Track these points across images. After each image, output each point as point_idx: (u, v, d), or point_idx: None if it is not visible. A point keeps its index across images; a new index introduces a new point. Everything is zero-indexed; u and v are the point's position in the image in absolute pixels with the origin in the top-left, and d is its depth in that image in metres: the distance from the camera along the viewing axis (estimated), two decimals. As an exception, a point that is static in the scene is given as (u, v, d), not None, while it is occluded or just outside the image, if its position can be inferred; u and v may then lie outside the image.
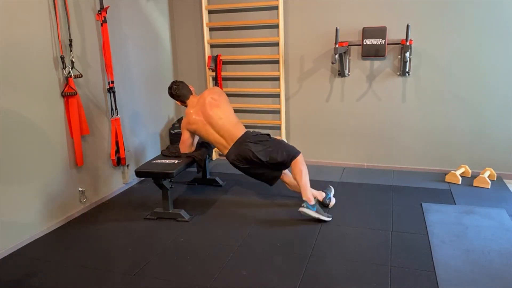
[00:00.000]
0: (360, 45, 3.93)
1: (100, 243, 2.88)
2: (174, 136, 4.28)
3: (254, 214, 3.24)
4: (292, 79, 4.31)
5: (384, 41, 3.79)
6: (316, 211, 3.01)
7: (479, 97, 3.78)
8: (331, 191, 3.39)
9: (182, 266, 2.55)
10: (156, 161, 3.32)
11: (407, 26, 3.57)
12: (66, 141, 3.19)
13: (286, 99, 4.37)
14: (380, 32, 3.79)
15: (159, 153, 3.84)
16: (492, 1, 3.55)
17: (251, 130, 3.36)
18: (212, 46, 4.49)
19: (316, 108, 4.29)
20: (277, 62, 4.28)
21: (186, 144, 3.39)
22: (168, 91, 3.40)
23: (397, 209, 3.23)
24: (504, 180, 3.75)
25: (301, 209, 3.00)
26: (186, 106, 3.41)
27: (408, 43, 3.59)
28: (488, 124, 3.80)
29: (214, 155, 4.69)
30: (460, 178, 3.71)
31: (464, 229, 2.85)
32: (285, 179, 3.31)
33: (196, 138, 3.50)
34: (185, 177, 4.04)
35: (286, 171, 3.30)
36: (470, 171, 3.85)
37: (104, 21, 3.38)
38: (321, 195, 3.29)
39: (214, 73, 4.45)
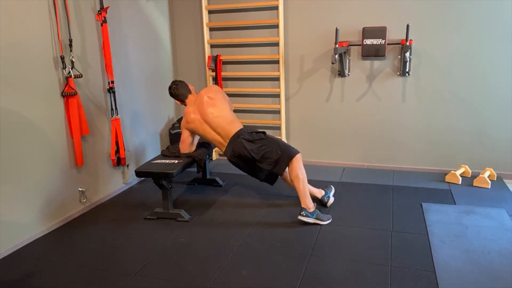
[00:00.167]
0: (360, 45, 3.93)
1: (100, 243, 2.88)
2: (174, 136, 4.28)
3: (254, 214, 3.24)
4: (292, 79, 4.31)
5: (384, 41, 3.79)
6: (316, 217, 3.00)
7: (479, 97, 3.78)
8: (331, 191, 3.40)
9: (182, 266, 2.55)
10: (156, 161, 3.32)
11: (407, 26, 3.57)
12: (66, 141, 3.19)
13: (286, 99, 4.37)
14: (380, 32, 3.79)
15: (159, 153, 3.84)
16: (492, 1, 3.55)
17: (248, 127, 3.35)
18: (212, 46, 4.49)
19: (316, 108, 4.29)
20: (277, 62, 4.28)
21: (186, 144, 3.39)
22: (168, 91, 3.41)
23: (397, 209, 3.23)
24: (504, 180, 3.75)
25: (300, 217, 3.00)
26: (185, 105, 3.41)
27: (408, 43, 3.59)
28: (488, 124, 3.80)
29: (214, 155, 4.69)
30: (460, 178, 3.71)
31: (464, 229, 2.85)
32: (284, 176, 3.29)
33: (196, 138, 3.50)
34: (185, 177, 4.04)
35: (286, 169, 3.27)
36: (470, 171, 3.85)
37: (104, 21, 3.38)
38: (320, 193, 3.30)
39: (214, 73, 4.45)
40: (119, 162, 3.67)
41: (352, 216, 3.14)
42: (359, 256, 2.58)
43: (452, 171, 3.80)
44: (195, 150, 3.46)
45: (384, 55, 3.84)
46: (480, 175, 3.65)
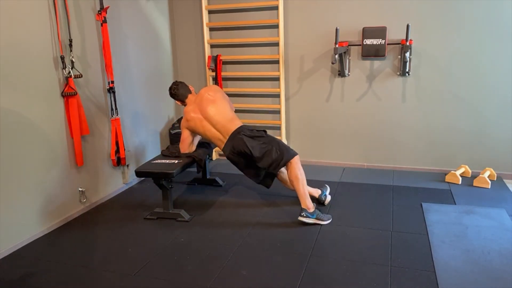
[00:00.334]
0: (360, 45, 3.93)
1: (100, 243, 2.88)
2: (174, 136, 4.28)
3: (254, 214, 3.24)
4: (292, 79, 4.31)
5: (384, 41, 3.79)
6: (316, 218, 3.00)
7: (479, 97, 3.78)
8: (327, 189, 3.40)
9: (182, 266, 2.55)
10: (156, 161, 3.32)
11: (407, 26, 3.57)
12: (66, 141, 3.19)
13: (286, 99, 4.37)
14: (380, 32, 3.79)
15: (159, 153, 3.84)
16: (492, 1, 3.55)
17: (248, 125, 3.35)
18: (212, 46, 4.50)
19: (316, 108, 4.29)
20: (277, 62, 4.28)
21: (186, 143, 3.39)
22: (169, 91, 3.42)
23: (397, 209, 3.23)
24: (504, 180, 3.75)
25: (300, 218, 3.00)
26: (185, 105, 3.42)
27: (408, 43, 3.59)
28: (488, 124, 3.80)
29: (214, 155, 4.69)
30: (460, 178, 3.71)
31: (464, 229, 2.85)
32: (282, 178, 3.30)
33: (197, 138, 3.50)
34: (185, 177, 4.04)
35: (282, 169, 3.27)
36: (470, 171, 3.85)
37: (104, 21, 3.38)
38: (317, 192, 3.32)
39: (214, 73, 4.45)
40: (119, 162, 3.67)
41: (352, 216, 3.14)
42: (359, 256, 2.58)
43: (452, 171, 3.80)
44: (195, 150, 3.46)
45: (384, 55, 3.84)
46: (480, 175, 3.65)
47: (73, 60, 3.15)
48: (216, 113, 3.23)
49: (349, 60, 4.05)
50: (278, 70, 4.26)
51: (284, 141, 4.38)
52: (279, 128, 4.41)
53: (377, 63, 3.99)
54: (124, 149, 3.66)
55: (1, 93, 2.65)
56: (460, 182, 3.70)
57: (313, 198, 3.33)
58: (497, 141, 3.80)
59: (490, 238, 2.71)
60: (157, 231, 3.03)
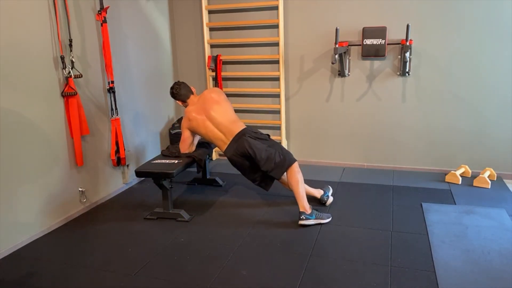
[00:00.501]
0: (360, 45, 3.93)
1: (100, 243, 2.88)
2: (174, 136, 4.28)
3: (254, 214, 3.24)
4: (292, 79, 4.31)
5: (384, 41, 3.79)
6: (316, 218, 3.01)
7: (479, 97, 3.78)
8: (329, 190, 3.40)
9: (182, 266, 2.55)
10: (156, 161, 3.32)
11: (407, 26, 3.57)
12: (66, 141, 3.19)
13: (286, 99, 4.37)
14: (380, 32, 3.79)
15: (159, 153, 3.84)
16: (492, 1, 3.55)
17: (252, 126, 3.37)
18: (212, 46, 4.50)
19: (316, 108, 4.29)
20: (277, 62, 4.28)
21: (186, 143, 3.39)
22: (170, 91, 3.42)
23: (397, 209, 3.23)
24: (504, 180, 3.75)
25: (300, 222, 2.99)
26: (187, 105, 3.42)
27: (408, 43, 3.59)
28: (488, 124, 3.80)
29: (214, 155, 4.69)
30: (460, 178, 3.71)
31: (464, 229, 2.85)
32: (282, 179, 3.29)
33: (197, 138, 3.51)
34: (185, 177, 4.04)
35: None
36: (470, 171, 3.85)
37: (104, 21, 3.38)
38: (319, 192, 3.31)
39: (214, 73, 4.45)
40: (119, 162, 3.67)
41: (352, 216, 3.14)
42: (359, 256, 2.58)
43: (452, 171, 3.80)
44: (195, 150, 3.47)
45: (384, 55, 3.84)
46: (480, 175, 3.65)
47: (73, 60, 3.15)
48: (220, 114, 3.24)
49: (349, 60, 4.05)
50: (278, 70, 4.26)
51: (284, 141, 4.38)
52: (279, 128, 4.41)
53: (377, 63, 3.99)
54: (124, 149, 3.66)
55: (1, 93, 2.65)
56: (460, 182, 3.70)
57: (314, 199, 3.34)
58: (497, 141, 3.80)
59: (490, 238, 2.71)
60: (157, 231, 3.03)
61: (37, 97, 2.92)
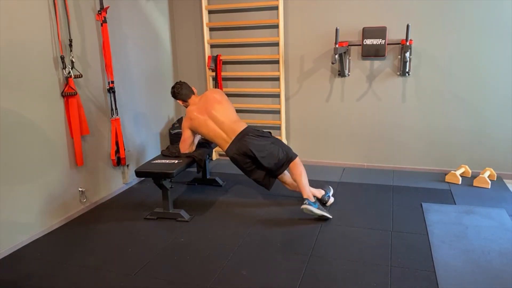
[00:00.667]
0: (360, 45, 3.93)
1: (100, 243, 2.88)
2: (174, 136, 4.28)
3: (254, 214, 3.24)
4: (292, 79, 4.31)
5: (384, 41, 3.79)
6: (318, 208, 3.04)
7: (479, 97, 3.78)
8: (330, 191, 3.41)
9: (182, 266, 2.55)
10: (156, 161, 3.32)
11: (407, 26, 3.57)
12: (66, 141, 3.19)
13: (286, 99, 4.37)
14: (380, 32, 3.79)
15: (159, 153, 3.84)
16: (492, 1, 3.55)
17: (253, 125, 3.39)
18: (212, 46, 4.50)
19: (316, 108, 4.29)
20: (277, 62, 4.28)
21: (187, 143, 3.39)
22: (171, 90, 3.43)
23: (397, 209, 3.23)
24: (504, 180, 3.75)
25: (303, 206, 3.02)
26: (187, 106, 3.43)
27: (408, 43, 3.59)
28: (488, 124, 3.80)
29: (214, 155, 4.69)
30: (460, 178, 3.71)
31: (464, 229, 2.85)
32: (284, 179, 3.31)
33: (197, 138, 3.52)
34: (185, 177, 4.04)
35: (285, 172, 3.30)
36: (470, 171, 3.85)
37: (104, 21, 3.38)
38: (320, 192, 3.32)
39: (214, 73, 4.45)
40: (119, 162, 3.67)
41: (352, 216, 3.14)
42: (359, 256, 2.58)
43: (452, 171, 3.80)
44: (195, 150, 3.47)
45: (384, 55, 3.84)
46: (480, 175, 3.65)
47: (73, 60, 3.15)
48: (222, 114, 3.26)
49: (349, 60, 4.05)
50: (278, 70, 4.26)
51: (284, 141, 4.38)
52: (279, 128, 4.41)
53: (377, 63, 3.99)
54: (124, 149, 3.66)
55: (1, 93, 2.65)
56: (460, 182, 3.70)
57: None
58: (497, 141, 3.80)
59: (490, 238, 2.71)
60: (157, 231, 3.03)
61: (37, 97, 2.92)
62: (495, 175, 3.76)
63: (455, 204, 3.29)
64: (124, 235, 2.98)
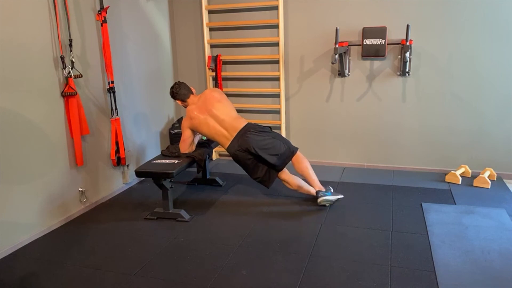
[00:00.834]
0: (360, 45, 3.93)
1: (100, 243, 2.88)
2: (174, 136, 4.28)
3: (254, 214, 3.24)
4: (292, 79, 4.31)
5: (384, 41, 3.79)
6: (332, 194, 3.25)
7: (479, 97, 3.78)
8: (336, 195, 3.33)
9: (182, 266, 2.55)
10: (156, 161, 3.32)
11: (407, 26, 3.57)
12: (66, 141, 3.19)
13: (286, 99, 4.37)
14: (380, 32, 3.79)
15: (159, 153, 3.84)
16: (492, 1, 3.55)
17: (253, 122, 3.41)
18: (212, 46, 4.50)
19: (316, 108, 4.29)
20: (277, 62, 4.28)
21: (187, 143, 3.40)
22: (170, 91, 3.44)
23: (397, 209, 3.23)
24: (504, 180, 3.75)
25: (320, 199, 3.20)
26: (186, 106, 3.43)
27: (408, 43, 3.59)
28: (488, 124, 3.80)
29: (214, 155, 4.69)
30: (460, 178, 3.71)
31: (464, 229, 2.85)
32: (284, 177, 3.33)
33: (197, 138, 3.53)
34: (185, 177, 4.04)
35: (285, 169, 3.32)
36: (470, 171, 3.85)
37: (104, 21, 3.38)
38: (319, 188, 3.34)
39: (214, 73, 4.45)
40: (119, 162, 3.67)
41: (352, 216, 3.14)
42: (359, 256, 2.58)
43: (452, 171, 3.80)
44: (195, 150, 3.47)
45: (384, 55, 3.84)
46: (480, 175, 3.65)
47: (73, 60, 3.15)
48: (223, 112, 3.29)
49: (349, 60, 4.05)
50: (278, 70, 4.26)
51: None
52: (279, 128, 4.41)
53: (377, 63, 3.99)
54: (124, 149, 3.66)
55: (1, 93, 2.65)
56: (460, 182, 3.70)
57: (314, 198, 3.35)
58: (497, 141, 3.80)
59: (490, 238, 2.71)
60: (157, 231, 3.03)
61: (37, 97, 2.92)
62: (495, 175, 3.76)
63: (455, 204, 3.29)
64: (124, 235, 2.98)
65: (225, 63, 4.49)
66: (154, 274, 2.47)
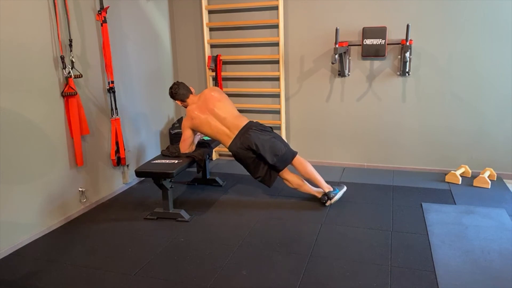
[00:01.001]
0: (360, 45, 3.93)
1: (100, 243, 2.88)
2: (174, 136, 4.28)
3: (254, 214, 3.24)
4: (292, 79, 4.31)
5: (384, 41, 3.79)
6: (339, 191, 3.31)
7: (479, 97, 3.78)
8: (342, 188, 3.38)
9: (182, 266, 2.55)
10: (156, 161, 3.32)
11: (407, 26, 3.57)
12: (66, 141, 3.19)
13: (286, 99, 4.37)
14: (380, 32, 3.79)
15: (159, 153, 3.84)
16: (491, 1, 3.55)
17: (254, 120, 3.42)
18: (212, 46, 4.50)
19: (316, 108, 4.29)
20: (277, 62, 4.28)
21: (187, 143, 3.40)
22: (169, 91, 3.44)
23: (397, 209, 3.23)
24: (504, 180, 3.75)
25: (332, 201, 3.26)
26: (186, 106, 3.43)
27: (408, 43, 3.59)
28: (488, 124, 3.80)
29: (214, 155, 4.69)
30: (460, 178, 3.71)
31: (464, 229, 2.85)
32: (285, 175, 3.33)
33: (197, 138, 3.53)
34: (185, 177, 4.04)
35: (286, 168, 3.32)
36: (470, 171, 3.85)
37: (104, 21, 3.38)
38: (328, 188, 3.34)
39: (214, 73, 4.45)
40: (119, 162, 3.67)
41: (352, 216, 3.14)
42: (359, 256, 2.58)
43: (452, 171, 3.80)
44: (195, 150, 3.47)
45: (384, 55, 3.84)
46: (480, 175, 3.65)
47: (73, 60, 3.15)
48: (224, 111, 3.30)
49: (349, 60, 4.05)
50: (278, 70, 4.27)
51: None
52: (279, 128, 4.41)
53: (377, 63, 3.99)
54: (124, 149, 3.66)
55: (1, 93, 2.65)
56: (460, 182, 3.70)
57: (315, 198, 3.35)
58: (497, 141, 3.80)
59: (490, 238, 2.71)
60: (157, 231, 3.03)
61: (37, 97, 2.92)
62: (495, 175, 3.76)
63: (455, 204, 3.29)
64: (124, 235, 2.98)
65: (225, 63, 4.49)
66: (154, 274, 2.47)
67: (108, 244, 2.86)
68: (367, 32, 3.83)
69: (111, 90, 3.52)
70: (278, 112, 4.42)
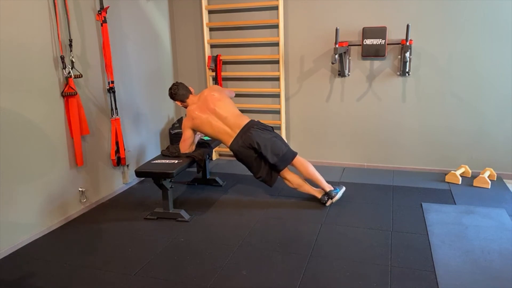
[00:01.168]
0: (360, 45, 3.93)
1: (100, 243, 2.88)
2: (174, 136, 4.28)
3: (254, 214, 3.24)
4: (292, 79, 4.31)
5: (384, 41, 3.79)
6: (339, 190, 3.32)
7: (479, 97, 3.78)
8: (341, 188, 3.39)
9: (182, 266, 2.55)
10: (156, 161, 3.32)
11: (407, 26, 3.57)
12: (66, 141, 3.19)
13: (286, 99, 4.37)
14: (380, 32, 3.79)
15: (159, 153, 3.84)
16: (491, 1, 3.55)
17: (256, 120, 3.42)
18: (212, 46, 4.50)
19: (316, 108, 4.29)
20: (277, 62, 4.28)
21: (187, 143, 3.40)
22: (168, 92, 3.44)
23: (397, 209, 3.23)
24: (504, 180, 3.75)
25: (333, 200, 3.27)
26: (186, 106, 3.43)
27: (408, 43, 3.59)
28: (488, 124, 3.80)
29: (214, 155, 4.69)
30: (460, 178, 3.71)
31: (464, 229, 2.85)
32: (285, 175, 3.33)
33: (197, 138, 3.53)
34: (185, 177, 4.04)
35: (286, 168, 3.32)
36: (470, 171, 3.85)
37: (104, 21, 3.38)
38: (329, 187, 3.34)
39: (214, 73, 4.45)
40: (119, 162, 3.68)
41: (352, 216, 3.14)
42: (359, 256, 2.58)
43: (452, 171, 3.80)
44: (195, 150, 3.47)
45: (384, 55, 3.84)
46: (480, 175, 3.65)
47: (73, 60, 3.15)
48: (225, 110, 3.31)
49: (349, 60, 4.05)
50: (278, 70, 4.27)
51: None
52: (279, 128, 4.41)
53: (377, 63, 3.99)
54: (124, 149, 3.66)
55: (1, 93, 2.65)
56: (460, 182, 3.70)
57: (314, 198, 3.35)
58: (497, 141, 3.80)
59: (490, 238, 2.71)
60: (157, 231, 3.03)
61: (37, 97, 2.92)
62: (495, 175, 3.76)
63: (455, 204, 3.29)
64: (124, 235, 2.98)
65: (225, 63, 4.49)
66: (154, 274, 2.47)
67: (108, 244, 2.86)
68: (367, 32, 3.83)
69: (111, 90, 3.52)
70: (278, 112, 4.42)
